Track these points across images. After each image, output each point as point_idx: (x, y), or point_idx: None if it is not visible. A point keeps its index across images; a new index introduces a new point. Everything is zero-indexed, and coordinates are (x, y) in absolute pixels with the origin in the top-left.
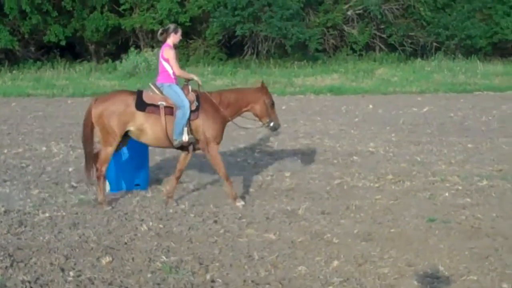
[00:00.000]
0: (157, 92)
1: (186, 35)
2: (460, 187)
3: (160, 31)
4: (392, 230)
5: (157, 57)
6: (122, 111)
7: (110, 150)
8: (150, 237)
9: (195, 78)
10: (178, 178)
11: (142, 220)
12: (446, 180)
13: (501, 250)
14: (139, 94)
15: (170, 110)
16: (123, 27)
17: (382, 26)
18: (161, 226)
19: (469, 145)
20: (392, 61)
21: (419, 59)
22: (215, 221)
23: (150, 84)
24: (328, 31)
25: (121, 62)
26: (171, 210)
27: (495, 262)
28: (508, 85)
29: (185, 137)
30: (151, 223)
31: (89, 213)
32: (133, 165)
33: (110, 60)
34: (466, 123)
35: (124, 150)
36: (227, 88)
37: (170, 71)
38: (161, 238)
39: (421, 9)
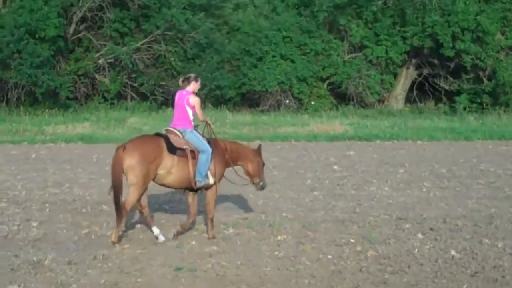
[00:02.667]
0: (180, 136)
1: None
2: (207, 236)
3: (181, 78)
4: (139, 280)
5: (172, 102)
6: (158, 155)
7: (141, 193)
8: None
9: (209, 122)
10: (192, 219)
11: None
12: (193, 229)
13: None
14: (166, 138)
15: (193, 154)
16: None
17: (133, 75)
18: None
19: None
20: (144, 110)
21: (170, 108)
22: None
23: (170, 128)
24: (80, 79)
25: None
26: None
27: None
28: (256, 135)
29: (211, 180)
30: None
31: None
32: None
33: None
34: None
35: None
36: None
37: (191, 117)
38: None
39: (172, 59)
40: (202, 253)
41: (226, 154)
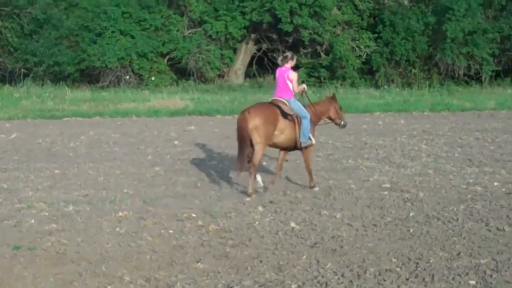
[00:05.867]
0: (287, 104)
1: None
2: (46, 213)
3: (280, 58)
4: None
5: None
6: (276, 118)
7: (264, 149)
8: None
9: (304, 87)
10: (280, 170)
11: None
12: (32, 207)
13: (85, 274)
14: (278, 106)
15: (298, 120)
16: None
17: None
18: None
19: (57, 171)
20: None
21: (7, 86)
22: None
23: (276, 98)
24: None
25: None
26: None
27: (79, 286)
28: (96, 111)
29: (314, 140)
30: None
31: None
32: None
33: None
34: (54, 149)
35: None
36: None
37: (291, 89)
38: None
39: (8, 35)
40: (42, 231)
41: (315, 116)
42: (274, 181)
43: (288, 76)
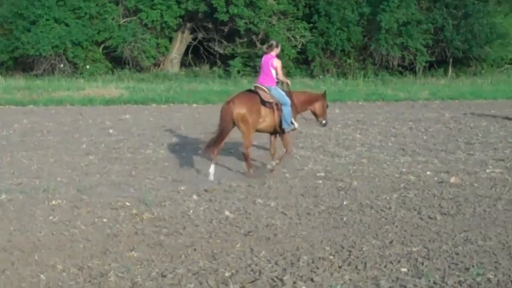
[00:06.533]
0: (267, 92)
1: None
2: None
3: (266, 46)
4: None
5: (260, 63)
6: (258, 107)
7: (252, 136)
8: None
9: (288, 82)
10: (273, 154)
11: None
12: None
13: (18, 263)
14: (258, 94)
15: (277, 106)
16: None
17: None
18: None
19: None
20: None
21: None
22: None
23: (257, 85)
24: None
25: None
26: None
27: (11, 276)
28: (29, 99)
29: (296, 125)
30: None
31: None
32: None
33: None
34: None
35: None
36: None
37: (274, 76)
38: None
39: None
40: None
41: (298, 103)
42: (273, 166)
43: (272, 64)
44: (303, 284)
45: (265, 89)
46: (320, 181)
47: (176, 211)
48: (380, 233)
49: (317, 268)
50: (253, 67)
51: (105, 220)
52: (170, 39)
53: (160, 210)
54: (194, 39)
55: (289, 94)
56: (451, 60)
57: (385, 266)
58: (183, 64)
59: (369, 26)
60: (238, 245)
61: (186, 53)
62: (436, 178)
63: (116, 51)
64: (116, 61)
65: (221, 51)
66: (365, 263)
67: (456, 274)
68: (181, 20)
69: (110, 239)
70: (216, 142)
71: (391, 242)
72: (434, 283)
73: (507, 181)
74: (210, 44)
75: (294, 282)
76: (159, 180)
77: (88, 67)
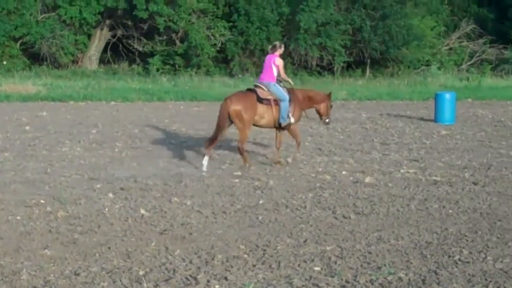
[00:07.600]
0: (265, 89)
1: None
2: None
3: (270, 47)
4: None
5: (262, 62)
6: (254, 104)
7: (248, 132)
8: None
9: (290, 80)
10: (279, 148)
11: None
12: None
13: None
14: (255, 92)
15: (276, 102)
16: None
17: None
18: None
19: None
20: None
21: None
22: None
23: (256, 83)
24: None
25: None
26: None
27: None
28: None
29: (292, 120)
30: None
31: None
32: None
33: None
34: None
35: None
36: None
37: (275, 74)
38: None
39: None
40: None
41: (302, 101)
42: (276, 159)
43: (274, 61)
44: (216, 283)
45: (263, 86)
46: (237, 180)
47: (91, 209)
48: (294, 232)
49: (231, 266)
50: (172, 65)
51: (18, 217)
52: (89, 36)
53: (75, 208)
54: (113, 36)
55: (291, 91)
56: (369, 61)
57: (298, 265)
58: (102, 61)
59: (288, 26)
60: (153, 244)
61: (105, 50)
62: (351, 178)
63: (34, 47)
64: (34, 58)
65: (140, 49)
66: (279, 262)
67: (368, 273)
68: (100, 17)
69: (23, 237)
70: (213, 138)
71: (305, 241)
72: (346, 281)
73: (421, 182)
74: (129, 41)
75: (208, 281)
76: (75, 178)
77: (5, 63)
